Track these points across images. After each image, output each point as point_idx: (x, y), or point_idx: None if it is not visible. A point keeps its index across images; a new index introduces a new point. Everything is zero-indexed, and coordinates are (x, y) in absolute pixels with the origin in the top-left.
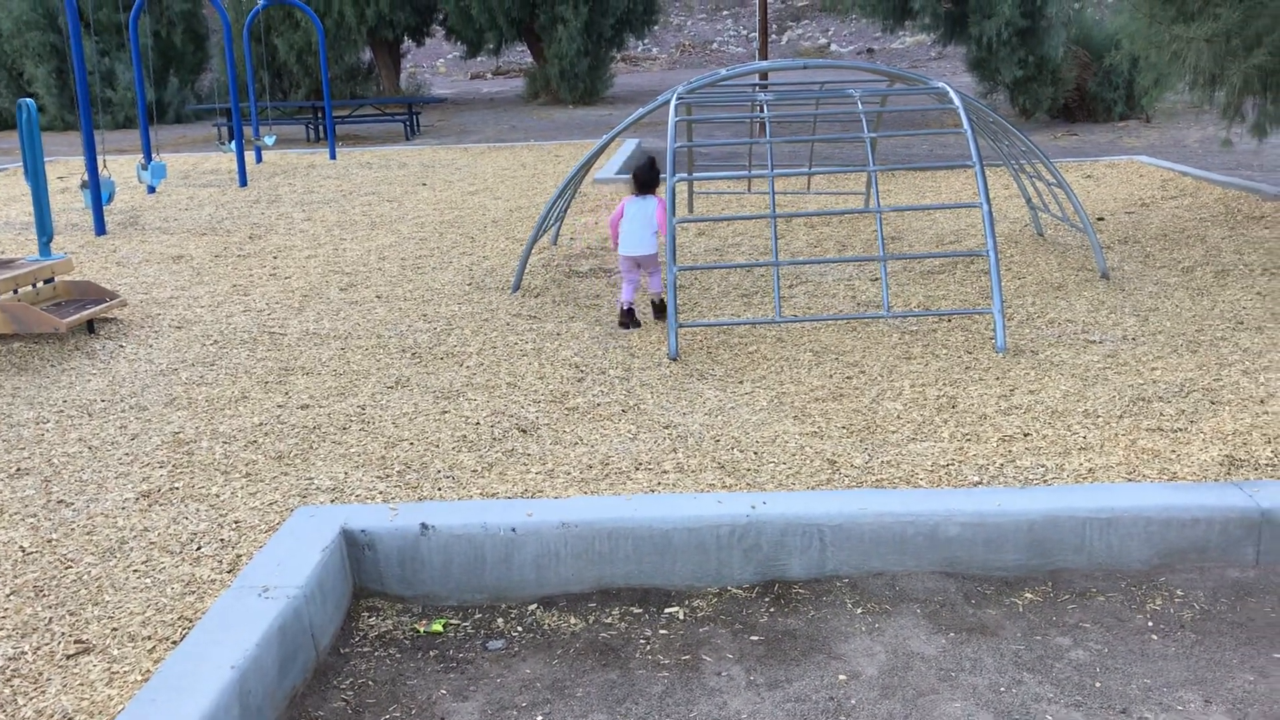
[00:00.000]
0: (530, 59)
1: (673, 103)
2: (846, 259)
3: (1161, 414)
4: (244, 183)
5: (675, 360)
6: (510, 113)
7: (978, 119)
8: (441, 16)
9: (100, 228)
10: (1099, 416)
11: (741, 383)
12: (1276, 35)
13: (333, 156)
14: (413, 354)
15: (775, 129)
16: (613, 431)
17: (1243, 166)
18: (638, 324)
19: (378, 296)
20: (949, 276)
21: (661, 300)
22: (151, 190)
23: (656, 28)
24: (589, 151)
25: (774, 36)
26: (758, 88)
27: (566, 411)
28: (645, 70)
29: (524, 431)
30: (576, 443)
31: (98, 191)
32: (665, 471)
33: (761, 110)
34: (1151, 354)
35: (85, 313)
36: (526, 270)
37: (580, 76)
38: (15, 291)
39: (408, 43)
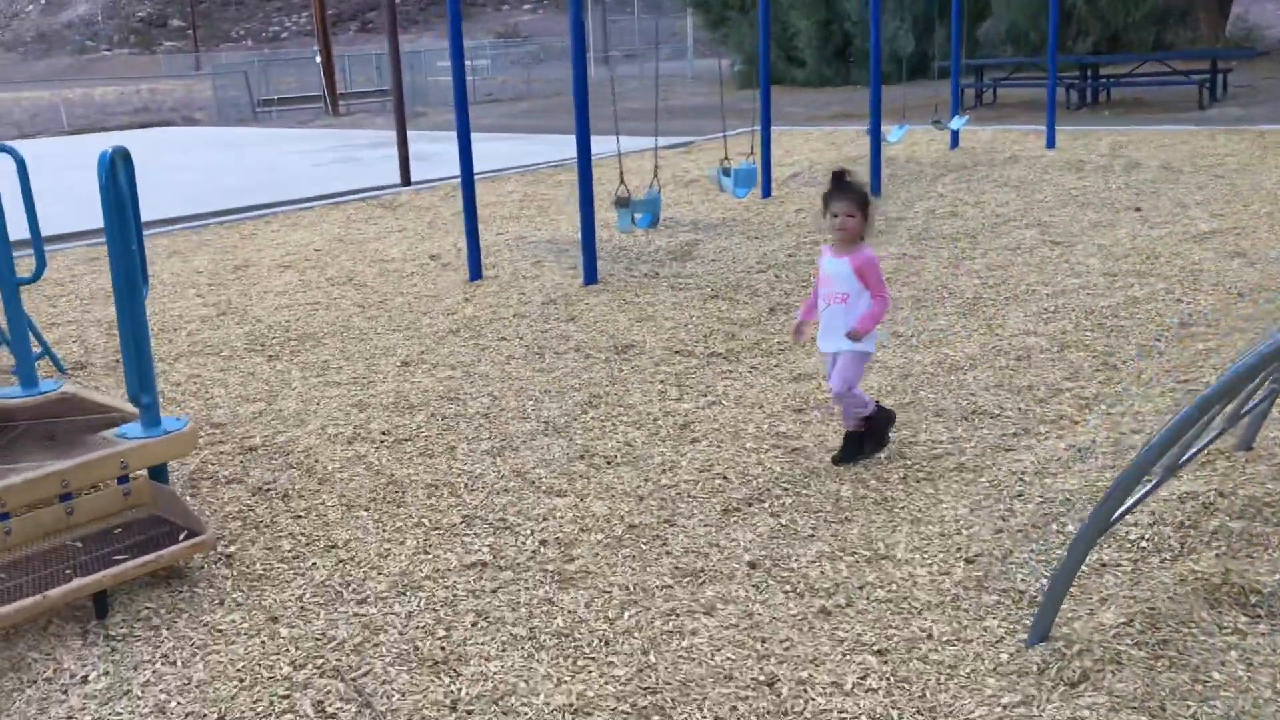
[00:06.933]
0: None
1: None
2: None
3: None
4: (876, 189)
5: None
6: None
7: None
8: None
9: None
10: None
11: None
12: None
13: (1050, 144)
14: None
15: None
16: None
17: None
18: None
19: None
20: None
21: (859, 431)
22: (740, 194)
23: None
24: None
25: None
26: None
27: None
28: None
29: None
30: None
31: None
32: None
33: None
34: None
35: (125, 566)
36: None
37: None
38: (66, 496)
39: None
